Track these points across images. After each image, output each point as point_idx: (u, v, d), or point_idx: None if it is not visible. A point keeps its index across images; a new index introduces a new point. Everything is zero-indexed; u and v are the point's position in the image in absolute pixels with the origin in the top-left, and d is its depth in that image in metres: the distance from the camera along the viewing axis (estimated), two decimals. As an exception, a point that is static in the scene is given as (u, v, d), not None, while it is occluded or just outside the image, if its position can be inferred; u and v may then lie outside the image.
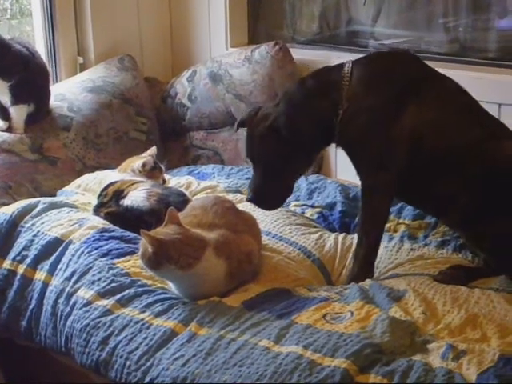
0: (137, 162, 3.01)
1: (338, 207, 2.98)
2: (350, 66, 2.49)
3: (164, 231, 2.24)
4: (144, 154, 3.11)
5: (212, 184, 3.23)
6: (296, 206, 3.03)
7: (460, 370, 1.88)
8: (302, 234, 2.75)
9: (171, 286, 2.35)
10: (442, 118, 2.41)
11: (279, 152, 2.48)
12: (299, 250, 2.66)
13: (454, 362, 1.91)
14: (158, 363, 2.10)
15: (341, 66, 2.51)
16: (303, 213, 2.97)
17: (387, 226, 2.66)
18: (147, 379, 2.10)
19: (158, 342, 2.16)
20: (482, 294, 2.22)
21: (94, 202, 2.92)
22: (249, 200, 2.59)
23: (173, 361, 2.08)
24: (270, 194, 2.56)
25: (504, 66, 3.07)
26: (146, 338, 2.19)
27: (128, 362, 2.16)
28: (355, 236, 2.62)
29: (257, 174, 2.56)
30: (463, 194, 2.36)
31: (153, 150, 3.11)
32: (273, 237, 2.72)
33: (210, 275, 2.27)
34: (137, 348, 2.18)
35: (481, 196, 2.33)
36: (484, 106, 2.94)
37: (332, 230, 2.88)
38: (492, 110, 2.93)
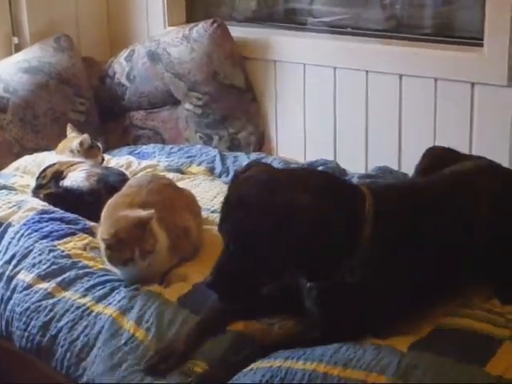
0: (74, 141, 2.98)
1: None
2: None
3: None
4: (73, 134, 3.08)
5: (152, 163, 3.22)
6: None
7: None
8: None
9: (113, 269, 2.32)
10: None
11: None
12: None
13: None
14: (97, 363, 2.09)
15: None
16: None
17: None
18: (85, 378, 2.09)
19: (98, 334, 2.14)
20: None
21: (33, 184, 2.88)
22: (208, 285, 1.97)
23: (108, 370, 2.05)
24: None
25: (439, 41, 3.10)
26: (86, 326, 2.18)
27: (68, 354, 2.16)
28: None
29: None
30: None
31: (84, 136, 3.06)
32: (212, 212, 2.72)
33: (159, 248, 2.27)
34: (77, 338, 2.16)
35: None
36: (421, 80, 3.02)
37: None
38: (429, 85, 3.00)
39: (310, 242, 1.83)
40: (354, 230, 1.90)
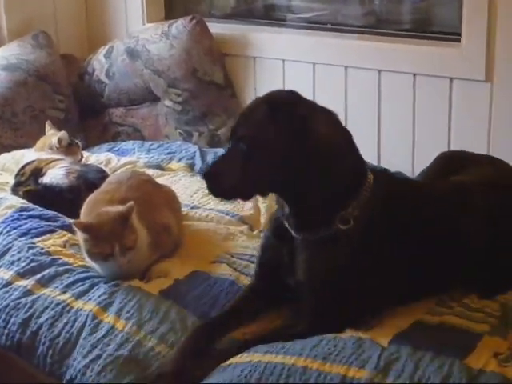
0: (52, 138, 2.97)
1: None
2: None
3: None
4: (52, 131, 3.06)
5: (132, 160, 3.21)
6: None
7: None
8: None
9: (94, 266, 2.32)
10: None
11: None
12: (217, 212, 2.68)
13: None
14: (78, 360, 2.07)
15: None
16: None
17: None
18: (68, 375, 2.08)
19: (80, 330, 2.13)
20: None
21: (12, 181, 2.87)
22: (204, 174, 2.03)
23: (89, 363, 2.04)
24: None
25: (418, 37, 3.12)
26: (67, 323, 2.16)
27: (51, 351, 2.14)
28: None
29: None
30: None
31: (63, 133, 3.04)
32: (192, 208, 2.73)
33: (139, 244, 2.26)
34: (59, 335, 2.15)
35: None
36: (400, 76, 3.03)
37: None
38: (407, 80, 3.01)
39: (316, 167, 1.86)
40: (356, 180, 1.94)
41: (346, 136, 1.97)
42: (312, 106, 1.96)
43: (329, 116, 1.96)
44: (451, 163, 2.39)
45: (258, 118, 1.91)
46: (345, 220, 1.92)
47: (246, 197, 2.05)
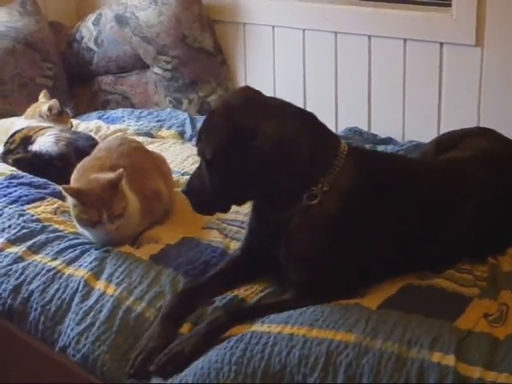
0: (43, 106, 2.96)
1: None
2: None
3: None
4: (43, 100, 3.05)
5: (122, 127, 3.21)
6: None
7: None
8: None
9: (84, 232, 2.32)
10: None
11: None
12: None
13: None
14: (71, 327, 2.07)
15: None
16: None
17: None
18: (60, 342, 2.08)
19: (72, 296, 2.13)
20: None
21: (1, 149, 2.86)
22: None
23: (83, 330, 2.04)
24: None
25: (408, 1, 3.10)
26: (58, 289, 2.16)
27: (42, 318, 2.14)
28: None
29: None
30: None
31: (53, 101, 3.03)
32: (182, 174, 2.72)
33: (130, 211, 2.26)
34: (51, 301, 2.15)
35: None
36: (390, 41, 3.02)
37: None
38: (398, 46, 3.00)
39: (269, 167, 1.90)
40: (324, 160, 1.95)
41: (304, 124, 1.97)
42: (264, 107, 1.95)
43: (280, 113, 1.95)
44: (442, 145, 2.40)
45: (214, 136, 1.94)
46: (312, 196, 1.94)
47: (223, 210, 2.09)
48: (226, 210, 2.09)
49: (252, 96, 2.01)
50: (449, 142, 2.39)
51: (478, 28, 2.81)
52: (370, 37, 3.09)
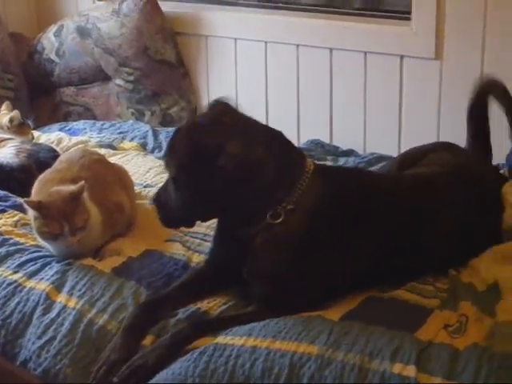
0: (3, 118, 2.94)
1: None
2: None
3: None
4: (5, 111, 3.03)
5: (83, 139, 3.19)
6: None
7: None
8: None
9: (46, 245, 2.30)
10: None
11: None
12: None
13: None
14: (32, 341, 2.06)
15: None
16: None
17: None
18: (22, 356, 2.07)
19: (33, 310, 2.11)
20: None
21: (-39, 161, 2.83)
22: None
23: (44, 344, 2.03)
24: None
25: (368, 15, 3.14)
26: (19, 302, 2.14)
27: (3, 331, 2.12)
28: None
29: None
30: None
31: (15, 112, 3.02)
32: (145, 187, 2.72)
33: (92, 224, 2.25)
34: (11, 314, 2.13)
35: None
36: (351, 54, 3.05)
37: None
38: (359, 59, 3.03)
39: (233, 186, 1.90)
40: (288, 179, 1.95)
41: (271, 143, 1.96)
42: (231, 126, 1.95)
43: (247, 132, 1.95)
44: (406, 162, 2.41)
45: (177, 154, 1.95)
46: (276, 215, 1.94)
47: (188, 225, 2.12)
48: (190, 225, 2.10)
49: (222, 113, 2.00)
50: (412, 158, 2.40)
51: (437, 41, 2.85)
52: (331, 49, 3.12)
